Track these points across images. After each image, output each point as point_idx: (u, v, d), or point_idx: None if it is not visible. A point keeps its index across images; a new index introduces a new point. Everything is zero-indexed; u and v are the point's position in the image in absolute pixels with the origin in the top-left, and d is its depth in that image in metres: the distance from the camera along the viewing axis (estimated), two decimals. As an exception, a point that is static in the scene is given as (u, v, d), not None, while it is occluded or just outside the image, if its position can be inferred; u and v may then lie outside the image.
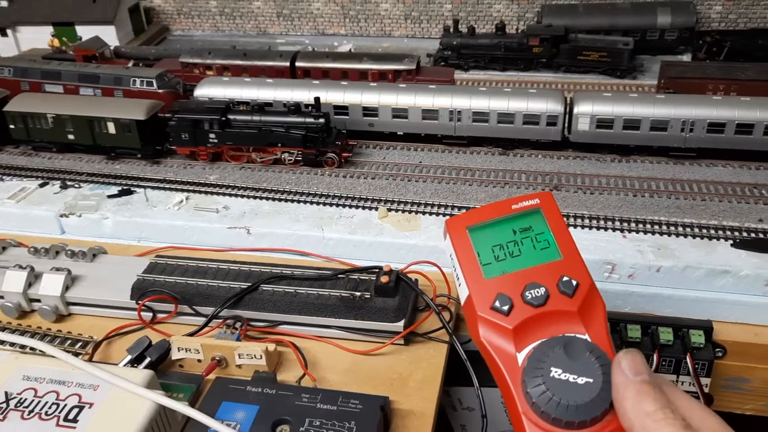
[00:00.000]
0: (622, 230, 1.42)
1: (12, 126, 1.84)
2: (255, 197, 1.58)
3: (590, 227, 1.43)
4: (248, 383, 1.03)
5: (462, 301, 0.63)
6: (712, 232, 1.41)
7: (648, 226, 1.43)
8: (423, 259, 1.34)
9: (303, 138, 1.68)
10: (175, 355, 1.12)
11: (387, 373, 1.15)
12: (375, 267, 1.25)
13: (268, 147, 1.71)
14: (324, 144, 1.69)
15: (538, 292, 0.60)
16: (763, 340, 1.31)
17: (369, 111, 1.78)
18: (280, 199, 1.57)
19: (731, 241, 1.37)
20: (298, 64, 2.07)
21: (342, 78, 1.98)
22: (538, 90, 1.76)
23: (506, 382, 0.57)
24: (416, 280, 1.27)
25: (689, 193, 1.55)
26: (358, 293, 1.21)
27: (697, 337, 1.26)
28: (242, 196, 1.59)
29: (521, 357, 0.58)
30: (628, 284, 1.35)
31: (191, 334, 1.18)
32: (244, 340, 1.18)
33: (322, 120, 1.69)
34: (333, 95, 1.77)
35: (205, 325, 1.20)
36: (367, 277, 1.25)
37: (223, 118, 1.71)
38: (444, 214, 1.50)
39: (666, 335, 1.25)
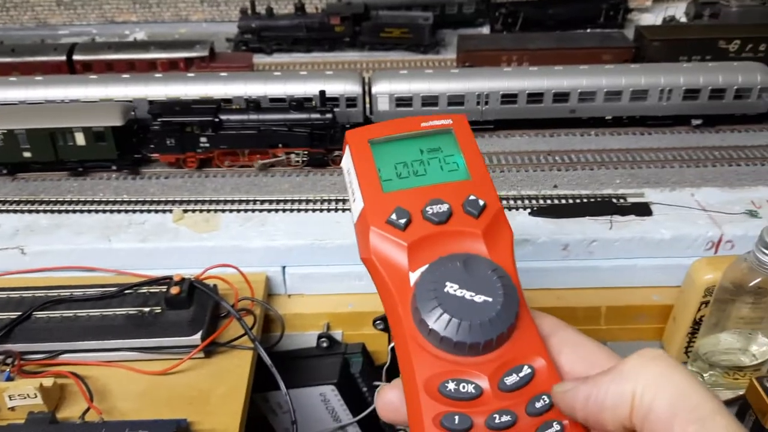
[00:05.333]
0: (425, 208, 1.41)
1: None
2: (30, 211, 1.40)
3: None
4: (20, 428, 0.91)
5: (354, 219, 0.56)
6: (512, 202, 1.43)
7: (450, 202, 1.43)
8: (224, 262, 1.26)
9: (309, 136, 1.53)
10: (-72, 408, 0.96)
11: (186, 392, 1.06)
12: (165, 277, 1.15)
13: (269, 149, 1.54)
14: (332, 142, 1.54)
15: (440, 209, 0.53)
16: (565, 303, 1.36)
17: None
18: (59, 211, 1.40)
19: (529, 210, 1.41)
20: (75, 57, 1.87)
21: (127, 70, 1.82)
22: (335, 72, 1.72)
23: (395, 305, 0.50)
24: (215, 285, 1.19)
25: (488, 165, 1.58)
26: (147, 309, 1.11)
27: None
28: (15, 212, 1.41)
29: (414, 276, 0.51)
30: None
31: (-50, 381, 1.02)
32: (19, 377, 1.04)
33: (329, 115, 1.54)
34: (115, 90, 1.62)
35: (-34, 368, 1.04)
36: (158, 289, 1.15)
37: (216, 119, 1.52)
38: (246, 210, 1.41)
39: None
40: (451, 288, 0.48)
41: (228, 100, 1.61)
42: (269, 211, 1.40)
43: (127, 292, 1.14)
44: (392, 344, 1.29)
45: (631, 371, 0.43)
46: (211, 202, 1.43)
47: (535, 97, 1.66)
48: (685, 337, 1.29)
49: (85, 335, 1.08)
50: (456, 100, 1.65)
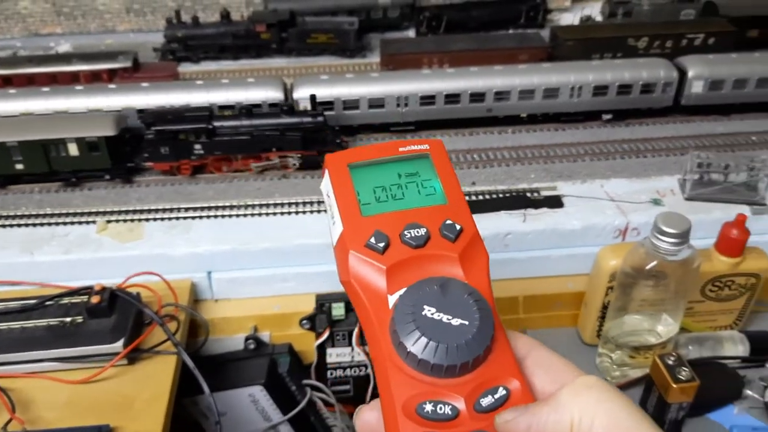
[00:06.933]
0: (349, 210, 1.44)
1: None
2: (-50, 228, 1.40)
3: (318, 211, 1.44)
4: (-61, 444, 0.91)
5: (334, 242, 0.57)
6: (432, 200, 1.48)
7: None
8: (149, 270, 1.28)
9: (302, 139, 1.56)
10: None
11: (111, 398, 1.08)
12: (85, 287, 1.17)
13: (262, 153, 1.57)
14: (324, 144, 1.57)
15: (418, 233, 0.54)
16: (505, 293, 1.42)
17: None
18: (-21, 226, 1.40)
19: (449, 207, 1.45)
20: (-5, 72, 1.86)
21: (50, 83, 1.81)
22: (257, 79, 1.74)
23: (374, 327, 0.52)
24: (138, 293, 1.20)
25: (410, 165, 1.62)
26: (68, 319, 1.12)
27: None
28: (-68, 229, 1.40)
29: (393, 299, 0.52)
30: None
31: None
32: (-60, 394, 1.04)
33: (320, 118, 1.57)
34: (37, 104, 1.62)
35: None
36: (79, 300, 1.16)
37: (209, 126, 1.53)
38: (170, 218, 1.43)
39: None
40: (428, 311, 0.49)
41: (225, 107, 1.66)
42: (194, 218, 1.43)
43: (48, 303, 1.16)
44: (318, 342, 1.33)
45: (568, 400, 0.45)
46: (135, 211, 1.44)
47: (452, 97, 1.72)
48: (596, 321, 1.36)
49: (6, 348, 1.09)
50: (377, 103, 1.70)
